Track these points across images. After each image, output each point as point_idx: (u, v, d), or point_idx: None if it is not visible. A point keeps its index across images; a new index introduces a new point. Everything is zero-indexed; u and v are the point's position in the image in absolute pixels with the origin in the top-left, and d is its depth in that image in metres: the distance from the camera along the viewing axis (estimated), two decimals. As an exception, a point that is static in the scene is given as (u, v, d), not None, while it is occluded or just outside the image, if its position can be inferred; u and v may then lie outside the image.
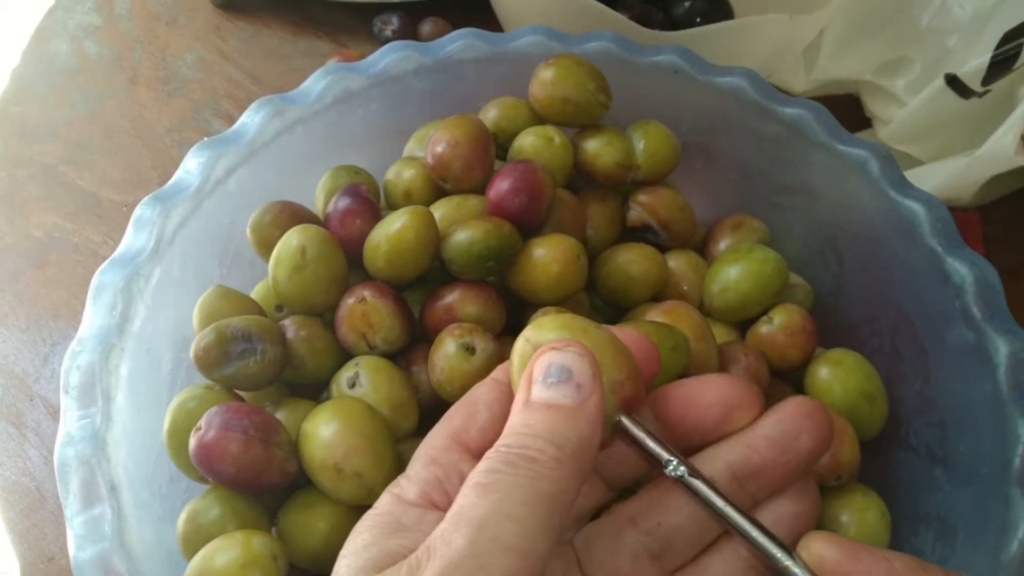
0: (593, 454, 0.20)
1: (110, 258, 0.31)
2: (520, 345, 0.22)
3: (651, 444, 0.22)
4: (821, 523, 0.33)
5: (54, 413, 0.44)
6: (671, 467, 0.21)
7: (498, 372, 0.24)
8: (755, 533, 0.21)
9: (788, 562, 0.20)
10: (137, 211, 0.32)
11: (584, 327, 0.22)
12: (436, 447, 0.23)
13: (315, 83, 0.38)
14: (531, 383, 0.21)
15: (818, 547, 0.20)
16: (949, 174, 0.46)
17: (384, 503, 0.22)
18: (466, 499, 0.19)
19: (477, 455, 0.21)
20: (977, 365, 0.31)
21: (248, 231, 0.36)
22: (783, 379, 0.36)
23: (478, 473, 0.19)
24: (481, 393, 0.24)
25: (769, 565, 0.20)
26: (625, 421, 0.22)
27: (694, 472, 0.21)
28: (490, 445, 0.21)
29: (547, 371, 0.20)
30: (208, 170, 0.34)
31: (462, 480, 0.20)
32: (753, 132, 0.40)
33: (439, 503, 0.22)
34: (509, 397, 0.23)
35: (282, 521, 0.30)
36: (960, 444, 0.32)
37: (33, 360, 0.46)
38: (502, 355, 0.33)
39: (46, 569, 0.38)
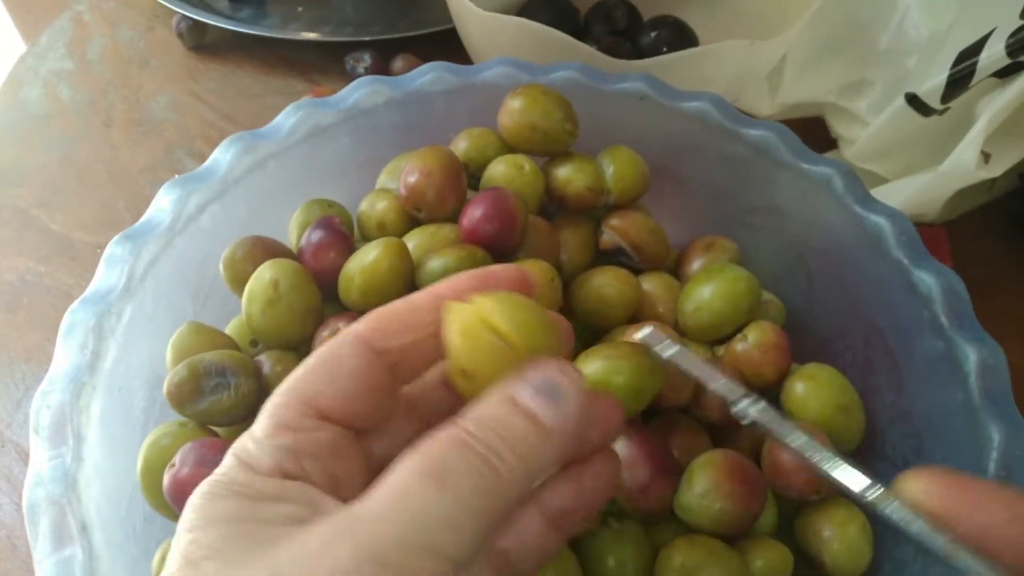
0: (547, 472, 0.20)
1: (81, 297, 0.31)
2: (465, 315, 0.20)
3: (719, 377, 0.22)
4: (805, 538, 0.33)
5: (26, 459, 0.43)
6: (743, 405, 0.21)
7: (363, 326, 0.21)
8: (842, 471, 0.21)
9: (880, 496, 0.20)
10: (108, 249, 0.32)
11: (524, 300, 0.22)
12: (288, 411, 0.20)
13: (286, 119, 0.39)
14: (520, 381, 0.19)
15: (917, 484, 0.19)
16: (914, 190, 0.47)
17: (232, 469, 0.19)
18: (410, 482, 0.17)
19: (337, 423, 0.20)
20: (948, 374, 0.32)
21: (221, 267, 0.36)
22: (760, 396, 0.36)
23: (427, 455, 0.18)
24: (346, 355, 0.21)
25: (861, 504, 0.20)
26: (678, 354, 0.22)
27: (770, 410, 0.21)
28: (353, 416, 0.20)
29: (542, 380, 0.19)
30: (180, 207, 0.34)
31: (318, 450, 0.19)
32: (720, 154, 0.40)
33: (292, 473, 0.19)
34: (378, 365, 0.21)
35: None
36: (936, 453, 0.32)
37: (5, 405, 0.45)
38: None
39: (18, 619, 0.37)
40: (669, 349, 0.26)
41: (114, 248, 0.32)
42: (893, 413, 0.35)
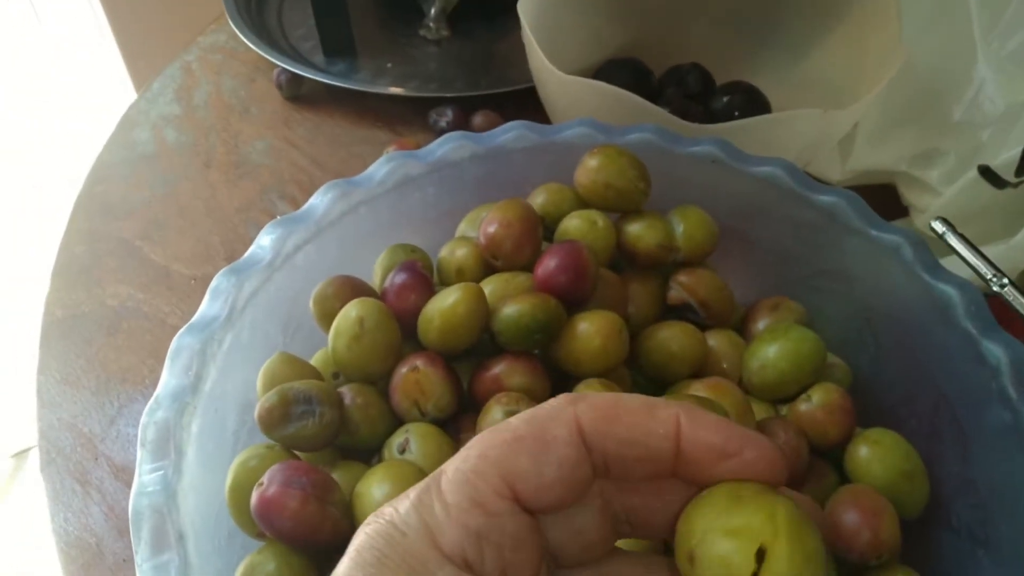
0: None
1: (188, 323, 0.34)
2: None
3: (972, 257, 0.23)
4: (863, 602, 0.32)
5: (117, 472, 0.46)
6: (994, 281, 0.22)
7: (586, 413, 0.18)
8: None
9: None
10: (214, 281, 0.35)
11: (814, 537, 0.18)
12: (486, 485, 0.18)
13: (378, 168, 0.42)
14: None
15: None
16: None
17: (414, 530, 0.17)
18: None
19: (530, 511, 0.18)
20: (1016, 446, 0.32)
21: (311, 303, 0.38)
22: (822, 458, 0.37)
23: None
24: (559, 439, 0.18)
25: None
26: (948, 233, 0.23)
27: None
28: (548, 507, 0.18)
29: None
30: (279, 245, 0.37)
31: (503, 539, 0.17)
32: (789, 218, 0.41)
33: (472, 562, 0.17)
34: (587, 460, 0.18)
35: (333, 578, 0.31)
36: (1002, 526, 0.32)
37: (100, 421, 0.48)
38: (546, 424, 0.34)
39: (102, 623, 0.39)
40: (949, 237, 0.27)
41: (220, 280, 0.35)
42: (958, 483, 0.34)
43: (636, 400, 0.19)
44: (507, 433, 0.18)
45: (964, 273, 0.45)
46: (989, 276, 0.25)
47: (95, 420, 0.49)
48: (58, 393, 0.50)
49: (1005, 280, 0.24)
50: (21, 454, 1.43)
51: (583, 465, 0.18)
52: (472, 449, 0.19)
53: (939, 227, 0.32)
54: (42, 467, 0.46)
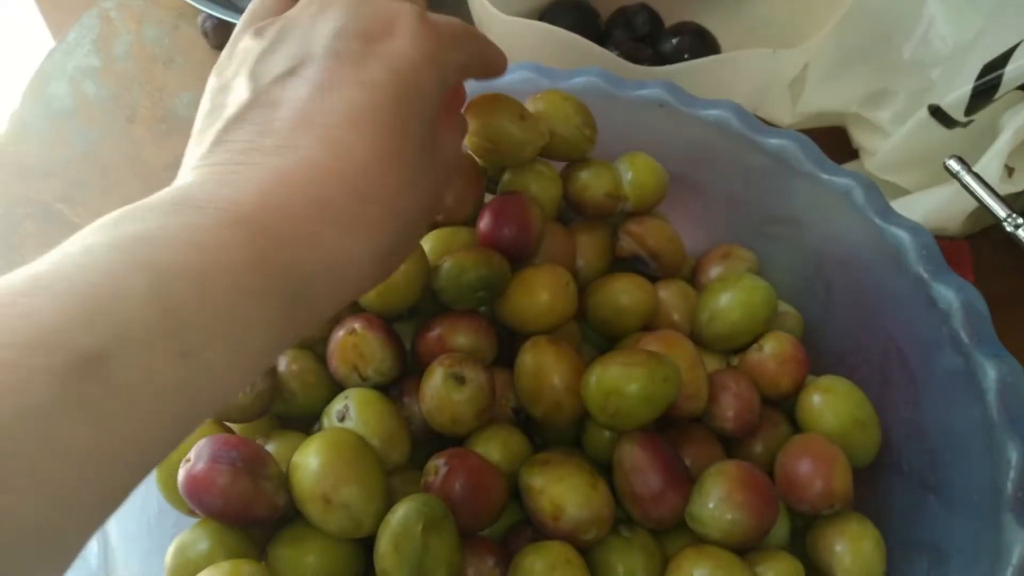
0: None
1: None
2: None
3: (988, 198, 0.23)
4: (817, 552, 0.32)
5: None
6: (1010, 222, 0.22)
7: None
8: None
9: None
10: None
11: None
12: None
13: (308, 119, 0.39)
14: None
15: None
16: (936, 203, 0.46)
17: None
18: None
19: None
20: (966, 391, 0.31)
21: (240, 265, 0.36)
22: (775, 407, 0.36)
23: None
24: None
25: None
26: (962, 172, 0.24)
27: None
28: None
29: None
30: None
31: None
32: (739, 163, 0.40)
33: None
34: None
35: (271, 555, 0.29)
36: (952, 470, 0.32)
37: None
38: (492, 385, 0.33)
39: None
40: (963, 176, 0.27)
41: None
42: (909, 429, 0.34)
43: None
44: None
45: (919, 208, 0.44)
46: (1004, 215, 0.24)
47: (19, 395, 0.46)
48: (-23, 368, 0.47)
49: (1020, 220, 0.24)
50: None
51: None
52: None
53: (954, 165, 0.31)
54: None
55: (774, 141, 0.38)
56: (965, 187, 0.26)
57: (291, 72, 0.23)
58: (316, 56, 0.23)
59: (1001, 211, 0.23)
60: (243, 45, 0.25)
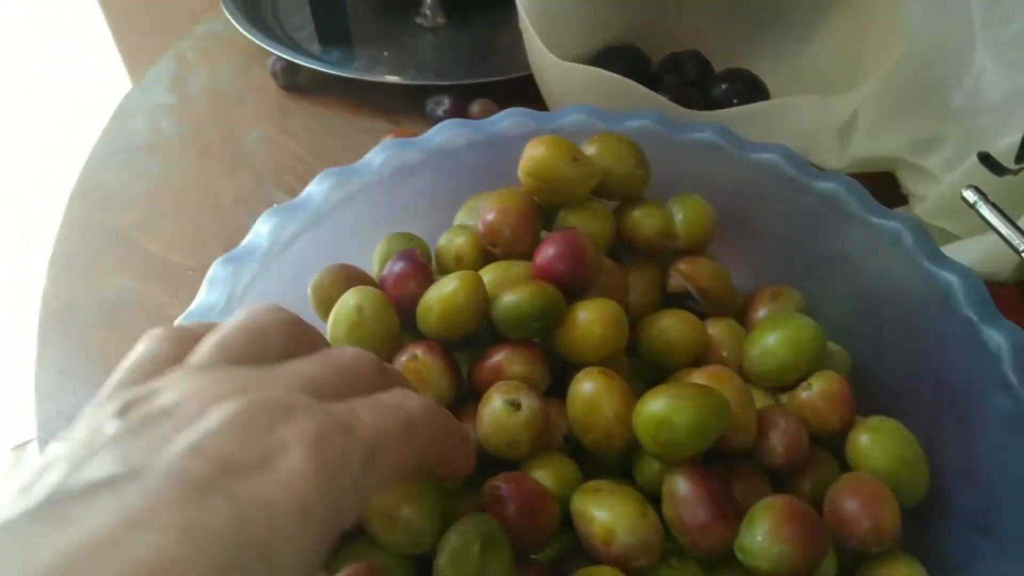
0: None
1: (186, 311, 0.33)
2: None
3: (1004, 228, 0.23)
4: (864, 590, 0.32)
5: (116, 463, 0.46)
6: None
7: None
8: None
9: None
10: (211, 270, 0.35)
11: None
12: None
13: (375, 156, 0.41)
14: None
15: None
16: (986, 249, 0.47)
17: None
18: None
19: None
20: (1018, 434, 0.32)
21: (309, 291, 0.38)
22: (823, 446, 0.37)
23: None
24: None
25: None
26: (980, 203, 0.24)
27: None
28: None
29: None
30: (277, 234, 0.37)
31: None
32: (789, 205, 0.41)
33: None
34: None
35: (334, 568, 0.31)
36: (1005, 514, 0.32)
37: (99, 413, 0.48)
38: (546, 411, 0.34)
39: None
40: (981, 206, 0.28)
41: (217, 269, 0.35)
42: (960, 471, 0.34)
43: None
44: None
45: (969, 253, 0.45)
46: (1022, 248, 0.25)
47: (93, 411, 0.48)
48: (57, 385, 0.50)
49: None
50: (21, 447, 1.43)
51: None
52: None
53: (970, 196, 0.32)
54: (40, 458, 0.46)
55: (824, 184, 0.40)
56: (982, 217, 0.27)
57: (110, 483, 0.17)
58: (153, 472, 0.17)
59: (1019, 242, 0.24)
60: (101, 416, 0.19)
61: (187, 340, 0.24)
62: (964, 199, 0.31)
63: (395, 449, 0.21)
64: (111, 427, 0.19)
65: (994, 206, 0.27)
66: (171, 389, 0.20)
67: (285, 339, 0.25)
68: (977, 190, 0.30)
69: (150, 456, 0.18)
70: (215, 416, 0.19)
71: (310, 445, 0.19)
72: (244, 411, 0.19)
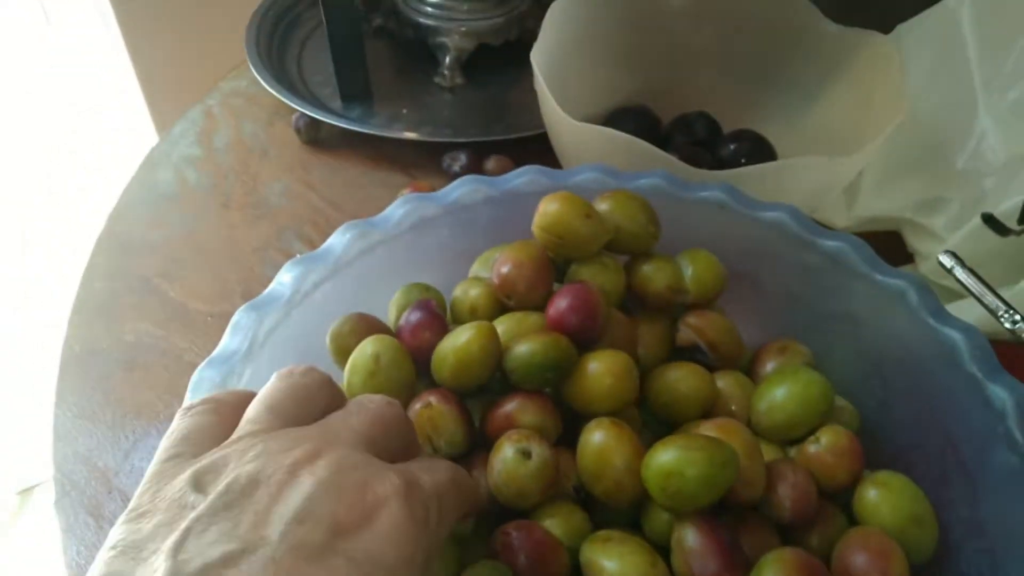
0: None
1: (209, 357, 0.34)
2: None
3: (983, 293, 0.23)
4: (873, 646, 0.32)
5: (131, 506, 0.46)
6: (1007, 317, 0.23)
7: None
8: None
9: None
10: (235, 317, 0.36)
11: None
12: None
13: (395, 210, 0.43)
14: None
15: None
16: (991, 307, 0.47)
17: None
18: None
19: None
20: (1022, 490, 0.32)
21: (328, 339, 0.39)
22: (831, 500, 0.37)
23: None
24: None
25: None
26: (957, 268, 0.24)
27: None
28: None
29: None
30: (299, 283, 0.38)
31: None
32: (796, 262, 0.42)
33: None
34: None
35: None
36: (1012, 570, 0.32)
37: (115, 455, 0.49)
38: (556, 460, 0.35)
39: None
40: (958, 271, 0.28)
41: (241, 316, 0.36)
42: (967, 527, 0.35)
43: None
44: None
45: (974, 312, 0.45)
46: (1001, 312, 0.25)
47: (110, 454, 0.49)
48: (74, 427, 0.51)
49: (1018, 316, 0.25)
50: (27, 491, 1.43)
51: None
52: None
53: (947, 261, 0.32)
54: (56, 500, 0.47)
55: (830, 243, 0.41)
56: (960, 283, 0.28)
57: (229, 560, 0.18)
58: (268, 544, 0.18)
59: (998, 306, 0.25)
60: (174, 491, 0.20)
61: (226, 410, 0.24)
62: (941, 264, 0.31)
63: (450, 501, 0.24)
64: (195, 500, 0.19)
65: (971, 271, 0.28)
66: (242, 457, 0.21)
67: (326, 397, 0.26)
68: (954, 255, 0.31)
69: (258, 528, 0.18)
70: (308, 481, 0.19)
71: (402, 499, 0.20)
72: (335, 473, 0.20)
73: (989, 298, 0.26)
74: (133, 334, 0.56)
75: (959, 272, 0.29)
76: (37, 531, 1.35)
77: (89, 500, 0.47)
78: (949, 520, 0.35)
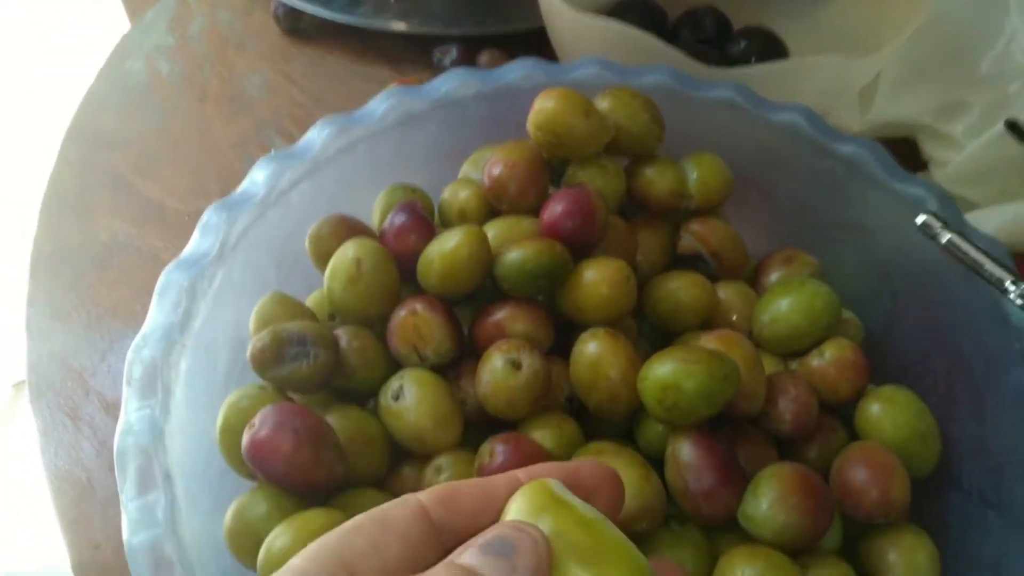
0: None
1: (177, 259, 0.32)
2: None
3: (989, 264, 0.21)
4: (869, 561, 0.32)
5: (108, 408, 0.45)
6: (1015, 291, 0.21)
7: (429, 498, 0.20)
8: None
9: None
10: (204, 216, 0.34)
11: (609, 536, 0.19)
12: (319, 564, 0.18)
13: (378, 104, 0.40)
14: (471, 544, 0.18)
15: None
16: (1008, 218, 0.45)
17: None
18: None
19: None
20: (1036, 409, 0.31)
21: (307, 242, 0.37)
22: (832, 414, 0.36)
23: None
24: (398, 517, 0.19)
25: None
26: (956, 239, 0.21)
27: None
28: None
29: (492, 537, 0.18)
30: (273, 182, 0.35)
31: None
32: (808, 168, 0.40)
33: None
34: (433, 539, 0.19)
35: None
36: (1016, 488, 0.31)
37: (91, 356, 0.47)
38: (548, 372, 0.33)
39: (92, 556, 0.38)
40: (944, 235, 0.25)
41: (210, 216, 0.34)
42: (973, 444, 0.34)
43: (477, 481, 0.21)
44: (347, 523, 0.19)
45: (992, 222, 0.43)
46: (1007, 282, 0.22)
47: (85, 355, 0.48)
48: (48, 327, 0.49)
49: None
50: (20, 384, 1.43)
51: (429, 542, 0.19)
52: (312, 543, 0.18)
53: (933, 223, 0.27)
54: (32, 401, 0.45)
55: (846, 147, 0.38)
56: (950, 251, 0.23)
57: None
58: None
59: (1004, 276, 0.21)
60: None
61: None
62: (922, 229, 0.27)
63: None
64: None
65: (960, 234, 0.24)
66: None
67: None
68: (935, 215, 0.26)
69: None
70: None
71: None
72: None
73: (989, 267, 0.23)
74: (107, 232, 0.54)
75: (948, 237, 0.25)
76: (28, 427, 1.36)
77: (66, 402, 0.45)
78: (953, 436, 0.34)
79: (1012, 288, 0.22)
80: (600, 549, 0.18)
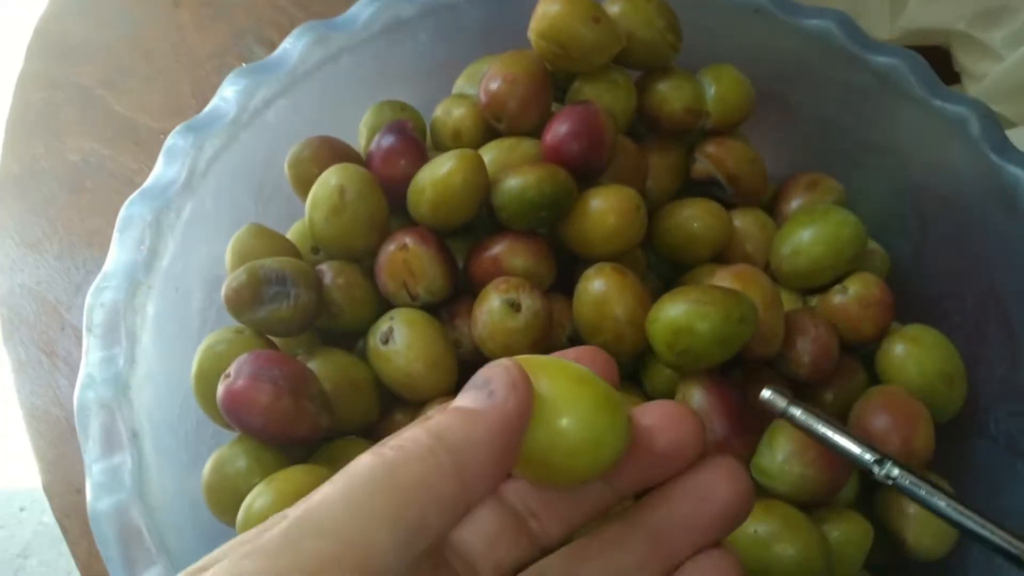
0: (487, 464, 0.17)
1: (139, 190, 0.29)
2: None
3: (847, 443, 0.21)
4: (887, 513, 0.30)
5: (86, 344, 0.43)
6: (882, 469, 0.21)
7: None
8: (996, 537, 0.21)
9: None
10: (169, 140, 0.30)
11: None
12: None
13: (362, 9, 0.36)
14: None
15: None
16: (1050, 138, 0.41)
17: None
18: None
19: None
20: (1078, 353, 0.28)
21: (286, 167, 0.34)
22: (853, 354, 0.33)
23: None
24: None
25: None
26: (800, 415, 0.22)
27: (913, 472, 0.21)
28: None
29: (470, 381, 0.18)
30: (246, 99, 0.32)
31: None
32: (838, 82, 0.36)
33: None
34: None
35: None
36: (1050, 438, 0.29)
37: (66, 288, 0.45)
38: (548, 313, 0.30)
39: (73, 500, 0.37)
40: (794, 409, 0.25)
41: (175, 139, 0.30)
42: (1002, 388, 0.31)
43: None
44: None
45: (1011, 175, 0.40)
46: (870, 460, 0.20)
47: (60, 287, 0.45)
48: (18, 257, 0.46)
49: (895, 468, 0.21)
50: None
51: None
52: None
53: (778, 402, 0.24)
54: (5, 337, 0.43)
55: (882, 59, 0.34)
56: (801, 427, 0.21)
57: None
58: None
59: (865, 452, 0.20)
60: None
61: None
62: (764, 401, 0.23)
63: None
64: None
65: (816, 415, 0.22)
66: None
67: None
68: (777, 392, 0.23)
69: None
70: None
71: None
72: None
73: (843, 442, 0.21)
74: (77, 152, 0.50)
75: (794, 412, 0.23)
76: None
77: (40, 336, 0.43)
78: (981, 379, 0.32)
79: (877, 469, 0.21)
80: (572, 369, 0.19)
